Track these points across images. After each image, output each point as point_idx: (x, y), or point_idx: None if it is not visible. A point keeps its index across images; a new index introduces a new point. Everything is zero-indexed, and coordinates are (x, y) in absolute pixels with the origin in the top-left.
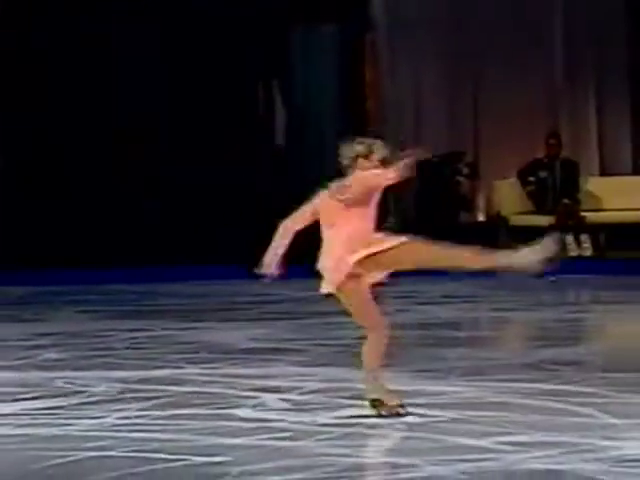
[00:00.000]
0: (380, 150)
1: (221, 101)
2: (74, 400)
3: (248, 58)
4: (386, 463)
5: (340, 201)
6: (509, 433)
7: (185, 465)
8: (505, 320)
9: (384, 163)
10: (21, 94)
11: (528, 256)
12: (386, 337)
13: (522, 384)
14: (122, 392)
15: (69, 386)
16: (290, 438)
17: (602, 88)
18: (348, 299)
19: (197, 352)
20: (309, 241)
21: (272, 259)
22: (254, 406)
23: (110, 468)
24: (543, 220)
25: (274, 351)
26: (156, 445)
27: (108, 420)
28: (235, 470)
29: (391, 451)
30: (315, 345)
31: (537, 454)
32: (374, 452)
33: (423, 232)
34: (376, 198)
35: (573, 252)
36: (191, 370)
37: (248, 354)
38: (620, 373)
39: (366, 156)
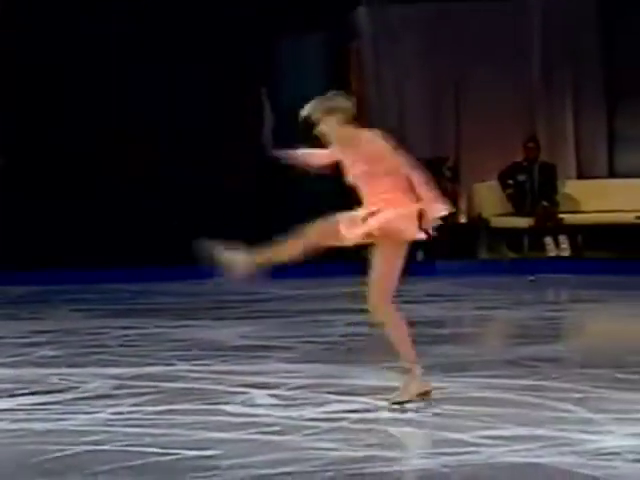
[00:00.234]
0: (340, 109)
1: (212, 107)
2: (69, 396)
3: (237, 65)
4: (371, 456)
5: None
6: (490, 427)
7: (177, 459)
8: (487, 318)
9: (348, 122)
10: (20, 94)
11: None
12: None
13: (503, 380)
14: (116, 388)
15: (64, 382)
16: (278, 432)
17: (578, 94)
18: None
19: (188, 349)
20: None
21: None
22: (243, 401)
23: (104, 462)
24: (522, 222)
25: (263, 348)
26: (149, 439)
27: (102, 415)
28: (225, 463)
29: (376, 445)
30: (302, 342)
31: (517, 447)
32: (359, 446)
33: None
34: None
35: (552, 253)
36: (182, 367)
37: (238, 351)
38: (597, 369)
39: (329, 113)
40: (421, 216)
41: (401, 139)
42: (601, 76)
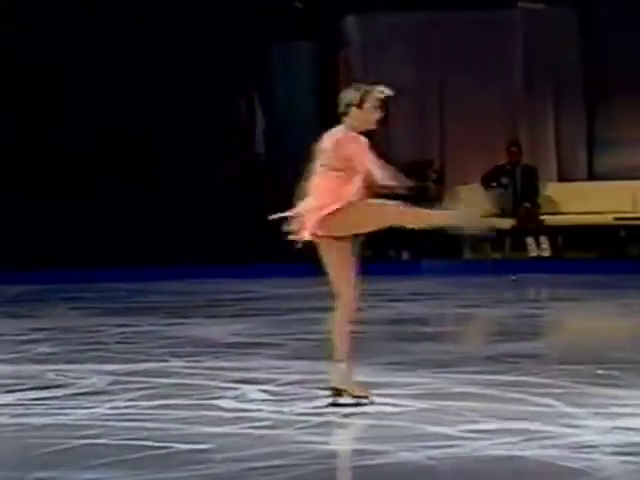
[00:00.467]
0: (371, 98)
1: (207, 112)
2: (66, 391)
3: (231, 72)
4: (359, 450)
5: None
6: (473, 421)
7: (171, 452)
8: (470, 316)
9: (381, 107)
10: (20, 94)
11: (457, 216)
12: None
13: (485, 376)
14: (112, 384)
15: (62, 378)
16: (269, 427)
17: (559, 100)
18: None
19: (182, 346)
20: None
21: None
22: (235, 397)
23: (101, 455)
24: (505, 223)
25: (254, 345)
26: (144, 434)
27: (99, 410)
28: (218, 457)
29: (364, 438)
30: (292, 340)
31: (499, 441)
32: (348, 439)
33: (394, 235)
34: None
35: (533, 253)
36: (176, 363)
37: (230, 348)
38: (576, 365)
39: (358, 105)
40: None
41: (388, 143)
42: (580, 83)
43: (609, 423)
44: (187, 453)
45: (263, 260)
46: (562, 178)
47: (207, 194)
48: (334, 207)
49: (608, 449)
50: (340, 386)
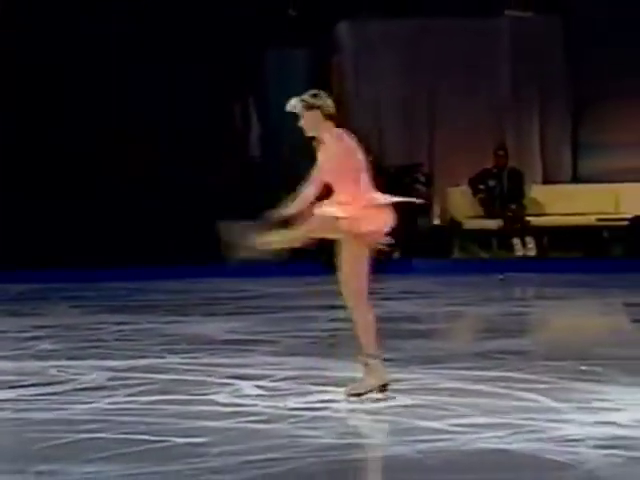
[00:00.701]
0: (324, 107)
1: (203, 116)
2: (67, 387)
3: (227, 77)
4: (352, 443)
5: None
6: (461, 416)
7: (169, 446)
8: (458, 314)
9: (330, 118)
10: (19, 94)
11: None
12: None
13: (473, 372)
14: (111, 380)
15: (63, 374)
16: (264, 421)
17: (544, 106)
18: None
19: (179, 343)
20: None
21: None
22: (231, 392)
23: (101, 449)
24: (492, 224)
25: (249, 342)
26: (143, 428)
27: (99, 405)
28: (214, 450)
29: (356, 432)
30: (287, 337)
31: (487, 435)
32: (341, 433)
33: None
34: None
35: (519, 252)
36: (174, 359)
37: (226, 345)
38: (561, 361)
39: (310, 108)
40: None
41: (379, 146)
42: (565, 90)
43: (592, 417)
44: (185, 447)
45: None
46: (547, 181)
47: (204, 195)
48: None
49: (592, 442)
50: (386, 380)
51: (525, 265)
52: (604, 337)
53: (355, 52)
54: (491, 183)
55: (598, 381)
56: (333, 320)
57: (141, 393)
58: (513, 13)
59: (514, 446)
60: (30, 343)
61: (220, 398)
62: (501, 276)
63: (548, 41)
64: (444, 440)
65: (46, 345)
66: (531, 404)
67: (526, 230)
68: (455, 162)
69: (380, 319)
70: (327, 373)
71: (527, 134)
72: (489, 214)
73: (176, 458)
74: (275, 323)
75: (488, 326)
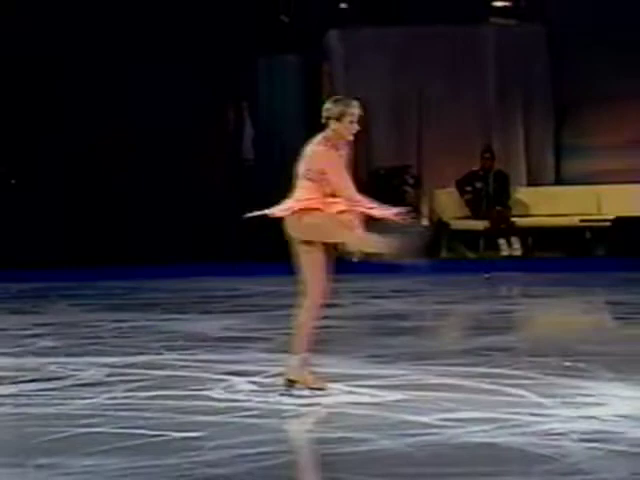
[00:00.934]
0: (349, 114)
1: (198, 120)
2: (67, 383)
3: (221, 83)
4: (343, 437)
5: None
6: (449, 410)
7: (166, 440)
8: (446, 312)
9: (358, 121)
10: (19, 94)
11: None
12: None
13: (460, 368)
14: (109, 376)
15: (62, 370)
16: (258, 416)
17: (529, 110)
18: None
19: (176, 340)
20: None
21: None
22: (226, 388)
23: (100, 443)
24: (479, 224)
25: (244, 339)
26: (140, 422)
27: (97, 401)
28: (210, 444)
29: (347, 427)
30: (280, 334)
31: (473, 429)
32: (332, 428)
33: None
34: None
35: (505, 252)
36: (171, 356)
37: (221, 342)
38: (545, 358)
39: (338, 119)
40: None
41: (369, 149)
42: (548, 94)
43: (576, 412)
44: (181, 441)
45: (253, 259)
46: (531, 183)
47: (200, 197)
48: (308, 207)
49: (575, 436)
50: (294, 377)
51: (511, 264)
52: (587, 334)
53: (345, 58)
54: (478, 185)
55: (581, 377)
56: (325, 318)
57: (139, 389)
58: (498, 21)
59: (500, 440)
60: (30, 340)
61: (215, 394)
62: (487, 275)
63: (531, 48)
64: (432, 434)
65: (46, 342)
66: (516, 399)
67: (511, 231)
68: (443, 164)
69: (371, 316)
70: (319, 369)
71: (512, 138)
72: (476, 215)
73: (173, 452)
74: (269, 321)
75: (475, 324)
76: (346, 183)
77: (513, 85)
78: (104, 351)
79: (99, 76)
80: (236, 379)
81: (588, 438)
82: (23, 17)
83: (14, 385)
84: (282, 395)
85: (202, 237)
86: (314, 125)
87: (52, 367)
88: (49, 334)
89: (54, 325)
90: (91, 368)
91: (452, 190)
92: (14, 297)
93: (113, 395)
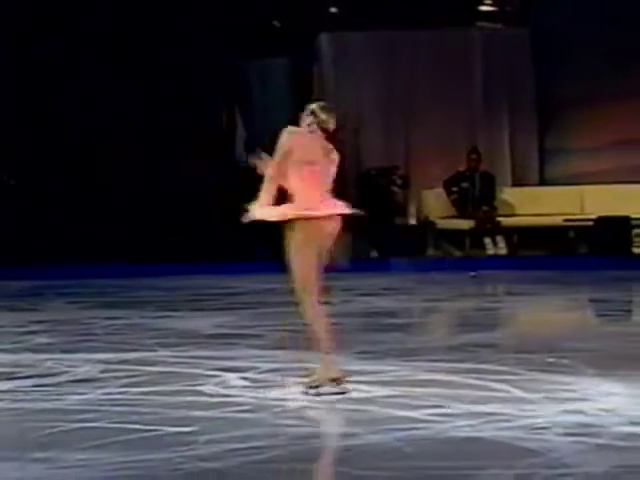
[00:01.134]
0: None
1: (192, 121)
2: (62, 379)
3: (215, 85)
4: (333, 432)
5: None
6: (437, 406)
7: (159, 434)
8: (433, 309)
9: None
10: (17, 92)
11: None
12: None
13: (448, 364)
14: (104, 372)
15: (58, 367)
16: (249, 411)
17: (514, 113)
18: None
19: (169, 337)
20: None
21: None
22: (218, 384)
23: (94, 437)
24: (465, 224)
25: (236, 336)
26: (134, 417)
27: (92, 396)
28: (202, 438)
29: (337, 421)
30: (271, 331)
31: (460, 423)
32: (323, 422)
33: (364, 235)
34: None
35: (490, 251)
36: (163, 353)
37: (213, 339)
38: (530, 354)
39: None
40: None
41: (357, 149)
42: (533, 97)
43: (559, 407)
44: (174, 435)
45: (244, 258)
46: (516, 183)
47: (193, 196)
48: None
49: (559, 430)
50: (336, 375)
51: (496, 263)
52: (571, 331)
53: (335, 61)
54: (464, 185)
55: (565, 372)
56: None
57: (132, 384)
58: (484, 25)
59: (486, 434)
60: (27, 337)
61: (207, 389)
62: (473, 273)
63: (517, 52)
64: (420, 429)
65: (42, 339)
66: (502, 394)
67: (497, 230)
68: (430, 165)
69: (360, 314)
70: (309, 365)
71: (497, 140)
72: (462, 215)
73: (166, 446)
74: (260, 318)
75: (461, 321)
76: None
77: (498, 88)
78: (99, 348)
79: (95, 76)
80: (228, 375)
81: (572, 432)
82: (23, 17)
83: (11, 381)
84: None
85: (195, 236)
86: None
87: (48, 363)
88: (45, 331)
89: (50, 322)
90: (86, 364)
91: (439, 190)
92: (12, 295)
93: (107, 391)
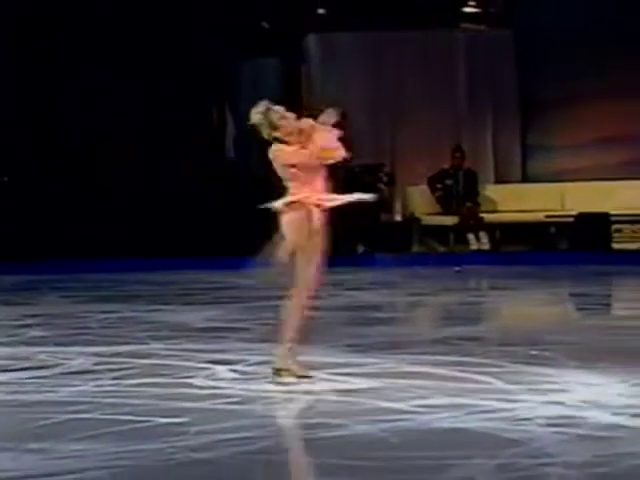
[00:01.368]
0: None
1: (183, 120)
2: (56, 371)
3: (205, 84)
4: (320, 423)
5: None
6: (421, 397)
7: (151, 425)
8: (418, 303)
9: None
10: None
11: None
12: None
13: (432, 356)
14: (97, 364)
15: (52, 359)
16: (239, 402)
17: (497, 111)
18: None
19: (160, 330)
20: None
21: None
22: (208, 376)
23: (88, 428)
24: (449, 220)
25: (225, 329)
26: (126, 409)
27: (85, 388)
28: (193, 429)
29: (323, 413)
30: (260, 324)
31: (445, 415)
32: (310, 414)
33: (350, 231)
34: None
35: (474, 246)
36: (155, 345)
37: (203, 332)
38: (512, 347)
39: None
40: None
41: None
42: (515, 97)
43: (542, 398)
44: (165, 426)
45: (233, 253)
46: (499, 180)
47: (185, 191)
48: None
49: (541, 421)
50: (282, 366)
51: (479, 258)
52: (552, 324)
53: (322, 61)
54: (448, 182)
55: (547, 365)
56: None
57: (125, 377)
58: (468, 26)
59: (469, 425)
60: (22, 330)
61: (198, 381)
62: (457, 268)
63: (500, 52)
64: (405, 420)
65: (37, 332)
66: (485, 386)
67: (480, 226)
68: (415, 163)
69: (346, 308)
70: (297, 358)
71: (481, 138)
72: (446, 211)
73: (157, 436)
74: (249, 312)
75: (446, 314)
76: None
77: (482, 88)
78: (92, 341)
79: (95, 76)
80: (218, 367)
81: (553, 423)
82: (23, 17)
83: (6, 373)
84: (268, 383)
85: (185, 232)
86: None
87: (42, 356)
88: (40, 324)
89: (44, 316)
90: (79, 357)
91: (424, 187)
92: (6, 289)
93: (100, 383)
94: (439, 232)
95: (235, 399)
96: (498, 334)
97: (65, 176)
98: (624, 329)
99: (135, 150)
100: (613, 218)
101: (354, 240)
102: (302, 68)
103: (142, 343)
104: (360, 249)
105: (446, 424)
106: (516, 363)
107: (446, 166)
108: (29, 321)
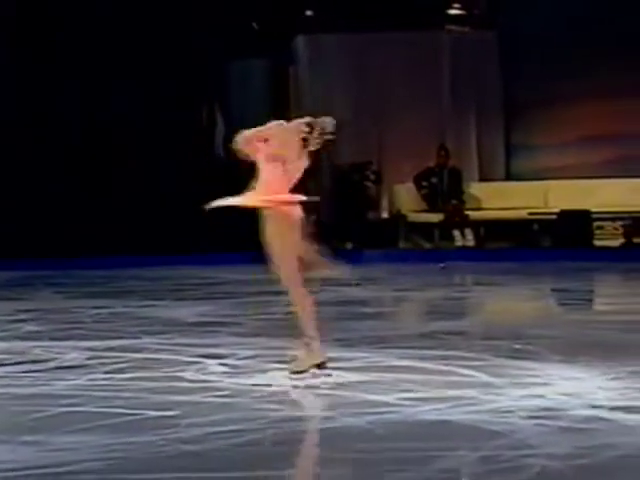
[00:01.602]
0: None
1: (173, 119)
2: (50, 365)
3: (195, 84)
4: (308, 416)
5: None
6: (407, 390)
7: (143, 418)
8: (404, 298)
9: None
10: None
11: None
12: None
13: (418, 350)
14: (90, 358)
15: (46, 353)
16: (229, 396)
17: (481, 111)
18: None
19: (153, 325)
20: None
21: None
22: (199, 370)
23: (81, 421)
24: (434, 217)
25: (216, 324)
26: (119, 402)
27: (79, 382)
28: (184, 422)
29: (312, 406)
30: (251, 319)
31: (430, 407)
32: (299, 407)
33: (338, 228)
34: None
35: (459, 243)
36: (147, 340)
37: (195, 327)
38: (496, 341)
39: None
40: None
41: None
42: (499, 97)
43: (524, 391)
44: (157, 419)
45: (225, 249)
46: (483, 178)
47: (176, 189)
48: None
49: (523, 413)
50: (321, 360)
51: (464, 254)
52: (535, 319)
53: (310, 62)
54: (433, 180)
55: (530, 359)
56: (290, 304)
57: (117, 371)
58: (453, 28)
59: (454, 417)
60: (16, 325)
61: (189, 375)
62: (442, 264)
63: (484, 53)
64: (391, 412)
65: (31, 327)
66: (469, 379)
67: (465, 223)
68: (401, 161)
69: (335, 303)
70: (287, 352)
71: (465, 137)
72: (432, 208)
73: (149, 429)
74: (240, 307)
75: (431, 309)
76: None
77: (466, 88)
78: (85, 335)
79: (95, 76)
80: (209, 361)
81: (535, 415)
82: (23, 17)
83: (1, 367)
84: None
85: (177, 228)
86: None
87: (37, 350)
88: (34, 319)
89: (39, 311)
90: (73, 351)
91: (410, 185)
92: (1, 285)
93: (93, 377)
94: (425, 229)
95: (225, 392)
96: (482, 329)
97: (63, 175)
98: (605, 324)
99: (127, 148)
100: (594, 215)
101: (342, 237)
102: (290, 69)
103: (135, 338)
104: (349, 246)
105: (431, 416)
106: (500, 357)
107: (431, 164)
108: (23, 316)
